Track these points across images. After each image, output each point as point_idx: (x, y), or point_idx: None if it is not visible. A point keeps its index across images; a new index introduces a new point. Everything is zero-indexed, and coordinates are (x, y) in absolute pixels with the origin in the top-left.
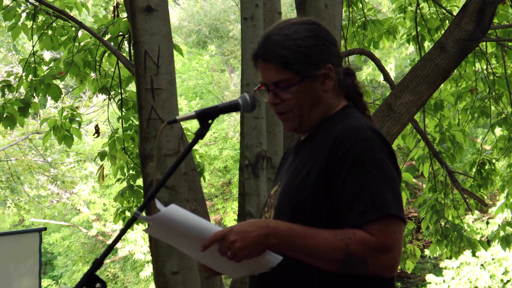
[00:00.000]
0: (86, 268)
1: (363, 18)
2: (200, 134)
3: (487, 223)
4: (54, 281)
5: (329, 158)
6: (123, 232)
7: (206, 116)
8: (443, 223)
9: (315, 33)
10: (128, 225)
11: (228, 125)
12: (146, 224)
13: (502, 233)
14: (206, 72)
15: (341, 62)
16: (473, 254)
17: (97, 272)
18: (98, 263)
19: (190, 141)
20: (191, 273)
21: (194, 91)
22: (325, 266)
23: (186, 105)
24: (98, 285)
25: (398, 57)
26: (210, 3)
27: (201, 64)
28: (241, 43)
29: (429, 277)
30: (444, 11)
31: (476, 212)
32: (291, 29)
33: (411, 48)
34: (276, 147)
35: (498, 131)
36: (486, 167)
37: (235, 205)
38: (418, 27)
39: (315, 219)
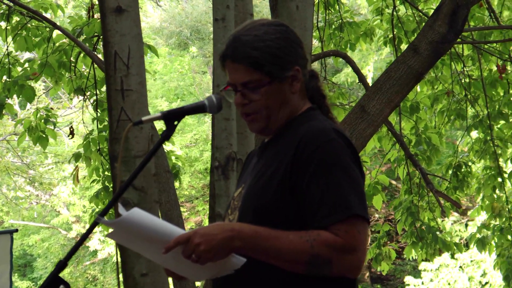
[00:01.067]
0: (65, 270)
1: (340, 20)
2: (165, 135)
3: (466, 225)
4: (34, 283)
5: (294, 160)
6: (85, 236)
7: (172, 117)
8: (418, 225)
9: (284, 34)
10: (90, 230)
11: (209, 127)
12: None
13: (478, 236)
14: (187, 74)
15: (307, 64)
16: (452, 256)
17: (77, 274)
18: (61, 265)
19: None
20: (160, 275)
21: (175, 92)
22: (290, 268)
23: (167, 107)
24: (61, 287)
25: (377, 59)
26: (191, 5)
27: (182, 66)
28: (213, 44)
29: (408, 279)
30: (421, 13)
31: (456, 214)
32: (261, 30)
33: (386, 49)
34: (247, 148)
35: (475, 133)
36: (462, 170)
37: None
38: (395, 29)
39: (279, 221)
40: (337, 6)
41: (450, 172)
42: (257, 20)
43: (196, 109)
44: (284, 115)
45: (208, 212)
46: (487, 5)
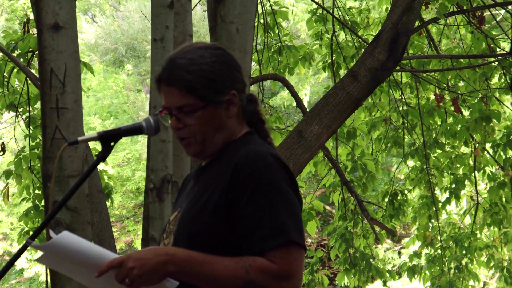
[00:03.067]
0: None
1: (279, 44)
2: (101, 157)
3: (399, 253)
4: None
5: (230, 184)
6: (14, 259)
7: (109, 138)
8: (352, 252)
9: (220, 58)
10: (19, 253)
11: (142, 146)
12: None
13: (409, 264)
14: (121, 91)
15: (245, 88)
16: (384, 284)
17: None
18: None
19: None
20: None
21: (108, 110)
22: None
23: (100, 124)
24: None
25: (314, 83)
26: (127, 22)
27: (117, 83)
28: (150, 64)
29: None
30: (360, 39)
31: (389, 241)
32: (196, 53)
33: (324, 74)
34: (183, 171)
35: (411, 161)
36: (399, 198)
37: None
38: (334, 55)
39: (214, 246)
40: (277, 29)
41: (386, 199)
42: (195, 43)
43: (133, 130)
44: (220, 139)
45: (139, 233)
46: (426, 33)
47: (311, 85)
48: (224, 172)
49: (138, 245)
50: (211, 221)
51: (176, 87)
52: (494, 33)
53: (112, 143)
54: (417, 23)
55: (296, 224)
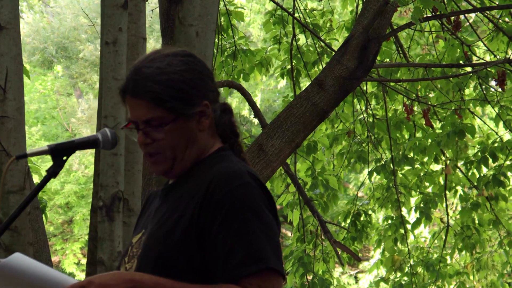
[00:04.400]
0: None
1: (234, 47)
2: (52, 172)
3: (356, 277)
4: None
5: (203, 205)
6: None
7: (61, 152)
8: (310, 277)
9: (190, 66)
10: None
11: (73, 156)
12: None
13: None
14: (50, 95)
15: (218, 97)
16: None
17: None
18: None
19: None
20: None
21: (35, 115)
22: None
23: (26, 132)
24: None
25: (265, 89)
26: (58, 19)
27: (45, 86)
28: (100, 70)
29: None
30: (323, 44)
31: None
32: (164, 61)
33: (282, 81)
34: (134, 187)
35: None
36: (362, 219)
37: (76, 247)
38: (294, 60)
39: (183, 271)
40: (231, 31)
41: (348, 220)
42: (162, 49)
43: (88, 144)
44: (191, 155)
45: (67, 252)
46: (394, 39)
47: (262, 92)
48: (195, 191)
49: (66, 265)
50: (180, 245)
51: (143, 99)
52: (470, 39)
53: (64, 157)
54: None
55: (274, 250)
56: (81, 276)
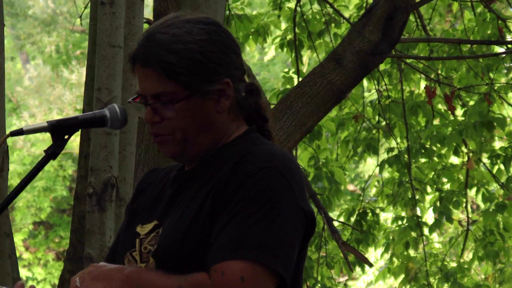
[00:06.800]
0: None
1: (227, 12)
2: (52, 153)
3: (345, 285)
4: None
5: (226, 188)
6: None
7: (62, 130)
8: (311, 284)
9: (213, 36)
10: None
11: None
12: None
13: None
14: None
15: (243, 76)
16: None
17: None
18: None
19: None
20: None
21: None
22: None
23: None
24: None
25: (249, 61)
26: None
27: None
28: (94, 34)
29: None
30: (330, 11)
31: (331, 272)
32: (183, 28)
33: (271, 52)
34: (126, 172)
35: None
36: (368, 218)
37: (17, 238)
38: (297, 29)
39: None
40: None
41: (352, 219)
42: (182, 14)
43: (94, 121)
44: (206, 139)
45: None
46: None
47: (253, 65)
48: (220, 181)
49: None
50: (206, 241)
51: (154, 70)
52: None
53: (66, 136)
54: None
55: (276, 246)
56: (22, 273)
